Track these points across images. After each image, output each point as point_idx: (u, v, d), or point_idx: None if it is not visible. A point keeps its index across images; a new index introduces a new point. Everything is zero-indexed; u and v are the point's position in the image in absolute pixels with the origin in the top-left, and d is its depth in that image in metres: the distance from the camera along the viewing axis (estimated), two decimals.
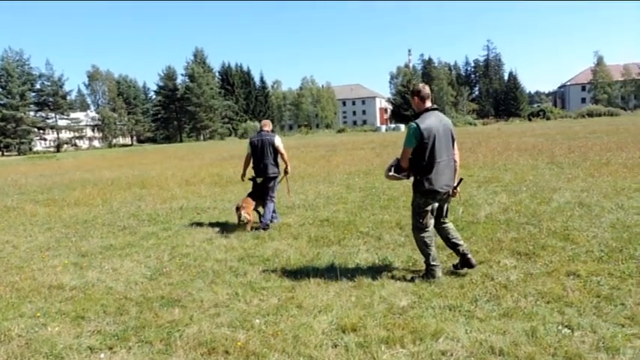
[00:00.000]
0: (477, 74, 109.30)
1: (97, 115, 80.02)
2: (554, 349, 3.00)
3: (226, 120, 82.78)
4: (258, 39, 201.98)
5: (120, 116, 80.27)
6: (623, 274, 4.25)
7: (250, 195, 7.50)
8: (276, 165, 7.42)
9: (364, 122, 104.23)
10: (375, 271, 4.83)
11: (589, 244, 5.22)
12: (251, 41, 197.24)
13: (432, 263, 4.43)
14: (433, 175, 4.23)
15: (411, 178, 4.45)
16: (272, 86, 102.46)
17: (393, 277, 4.58)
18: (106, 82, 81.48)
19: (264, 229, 7.03)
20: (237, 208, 7.26)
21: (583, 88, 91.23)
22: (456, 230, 4.52)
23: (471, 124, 64.31)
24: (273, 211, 7.45)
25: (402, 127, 64.53)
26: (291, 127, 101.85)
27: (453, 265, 4.58)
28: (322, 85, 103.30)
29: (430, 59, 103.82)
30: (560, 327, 3.31)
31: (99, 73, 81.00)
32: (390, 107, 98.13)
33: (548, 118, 61.51)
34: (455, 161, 4.42)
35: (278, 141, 7.38)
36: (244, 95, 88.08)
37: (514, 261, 4.87)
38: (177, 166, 21.17)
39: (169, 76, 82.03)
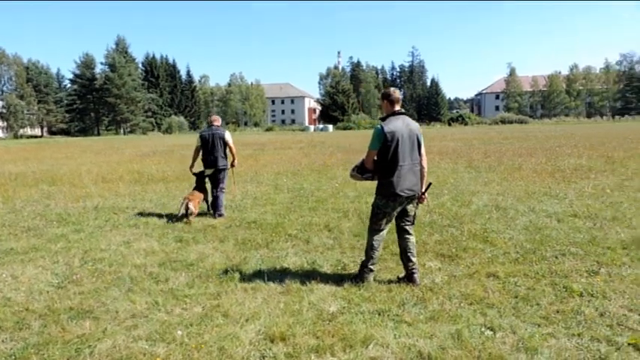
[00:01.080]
0: (402, 79, 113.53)
1: (0, 102, 72.72)
2: (479, 351, 3.08)
3: (149, 114, 78.92)
4: (184, 31, 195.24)
5: (28, 105, 73.39)
6: (537, 274, 4.51)
7: (196, 189, 7.95)
8: (226, 158, 7.93)
9: (293, 121, 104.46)
10: (304, 275, 4.74)
11: (506, 245, 5.51)
12: (177, 33, 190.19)
13: (370, 267, 4.41)
14: (395, 179, 4.18)
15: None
16: (199, 81, 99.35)
17: (322, 282, 4.51)
18: (13, 66, 74.30)
19: (219, 215, 7.64)
20: (186, 200, 7.50)
21: (497, 97, 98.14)
22: (415, 246, 4.50)
23: None
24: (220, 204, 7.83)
25: (330, 127, 65.51)
26: None
27: (397, 277, 4.56)
28: (251, 83, 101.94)
29: (359, 62, 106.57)
30: (483, 329, 3.42)
31: (4, 57, 73.62)
32: (318, 108, 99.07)
33: (466, 124, 65.38)
34: (422, 167, 4.38)
35: (228, 135, 7.87)
36: (169, 89, 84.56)
37: (438, 263, 5.01)
38: (93, 162, 19.75)
39: (87, 64, 76.56)
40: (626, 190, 8.80)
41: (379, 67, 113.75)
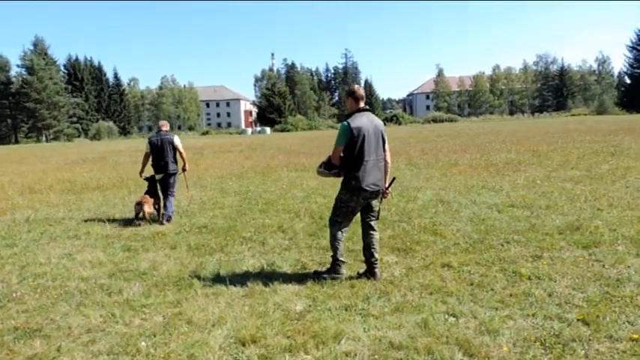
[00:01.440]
0: (337, 80, 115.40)
1: None
2: (446, 337, 3.22)
3: (74, 119, 74.36)
4: (109, 32, 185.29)
5: None
6: (487, 262, 4.78)
7: (147, 193, 7.87)
8: (176, 162, 7.90)
9: (229, 125, 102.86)
10: (265, 277, 4.69)
11: (455, 237, 5.78)
12: (102, 34, 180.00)
13: (340, 259, 4.47)
14: (360, 174, 4.24)
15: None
16: (128, 84, 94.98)
17: (284, 282, 4.48)
18: None
19: (167, 220, 7.47)
20: (138, 203, 7.56)
21: (427, 97, 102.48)
22: (378, 242, 4.57)
23: (332, 127, 67.61)
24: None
25: (268, 130, 65.16)
26: (150, 129, 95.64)
27: (358, 273, 4.62)
28: (184, 85, 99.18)
29: (293, 64, 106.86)
30: (446, 316, 3.57)
31: None
32: (255, 110, 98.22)
33: (400, 123, 67.63)
34: (386, 162, 4.47)
35: (177, 140, 7.89)
36: (95, 93, 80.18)
37: (395, 257, 5.16)
38: (16, 172, 18.31)
39: (1, 66, 70.76)
40: (553, 180, 9.53)
41: (314, 69, 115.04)
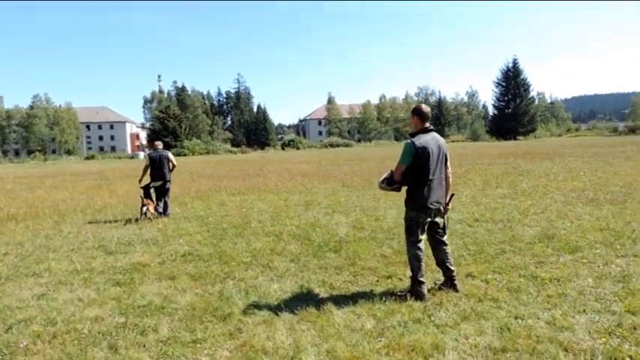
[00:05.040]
0: (229, 105, 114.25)
1: None
2: (536, 337, 3.48)
3: None
4: None
5: None
6: (503, 270, 5.18)
7: (147, 197, 10.02)
8: (170, 172, 10.45)
9: (113, 149, 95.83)
10: (303, 300, 4.57)
11: (454, 250, 6.16)
12: None
13: (420, 279, 4.45)
14: (425, 192, 4.35)
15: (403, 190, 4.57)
16: None
17: (327, 303, 4.37)
18: None
19: (166, 216, 9.89)
20: (144, 205, 9.57)
21: (320, 123, 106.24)
22: (451, 255, 4.66)
23: (231, 151, 66.65)
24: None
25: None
26: (17, 153, 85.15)
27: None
28: (60, 105, 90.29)
29: (184, 87, 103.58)
30: (515, 319, 3.84)
31: None
32: (142, 133, 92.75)
33: (298, 148, 69.04)
34: (447, 179, 4.61)
35: (171, 155, 10.64)
36: None
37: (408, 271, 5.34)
38: None
39: None
40: (491, 197, 10.59)
41: (205, 93, 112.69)
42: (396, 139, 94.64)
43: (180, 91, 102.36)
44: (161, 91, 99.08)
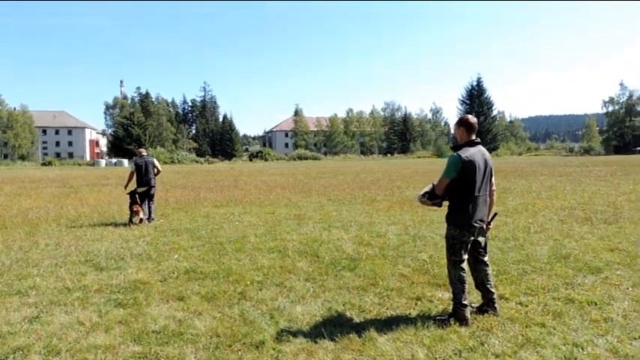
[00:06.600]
0: (195, 113, 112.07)
1: None
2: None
3: None
4: None
5: None
6: (533, 291, 5.01)
7: (135, 203, 10.16)
8: (155, 178, 10.87)
9: (70, 155, 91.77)
10: (337, 325, 4.24)
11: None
12: None
13: (464, 302, 4.15)
14: (470, 209, 4.07)
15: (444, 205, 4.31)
16: None
17: (367, 329, 4.07)
18: None
19: (150, 221, 10.19)
20: (134, 211, 9.93)
21: (286, 135, 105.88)
22: (492, 277, 4.38)
23: (197, 161, 65.15)
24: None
25: (126, 162, 59.79)
26: None
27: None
28: (15, 108, 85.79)
29: (147, 93, 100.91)
30: (574, 347, 3.64)
31: None
32: (104, 140, 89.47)
33: (266, 160, 68.32)
34: (492, 196, 4.33)
35: (156, 161, 11.09)
36: None
37: (443, 292, 5.10)
38: None
39: None
40: None
41: (170, 100, 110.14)
42: (362, 153, 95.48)
43: (144, 97, 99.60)
44: (124, 97, 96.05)
